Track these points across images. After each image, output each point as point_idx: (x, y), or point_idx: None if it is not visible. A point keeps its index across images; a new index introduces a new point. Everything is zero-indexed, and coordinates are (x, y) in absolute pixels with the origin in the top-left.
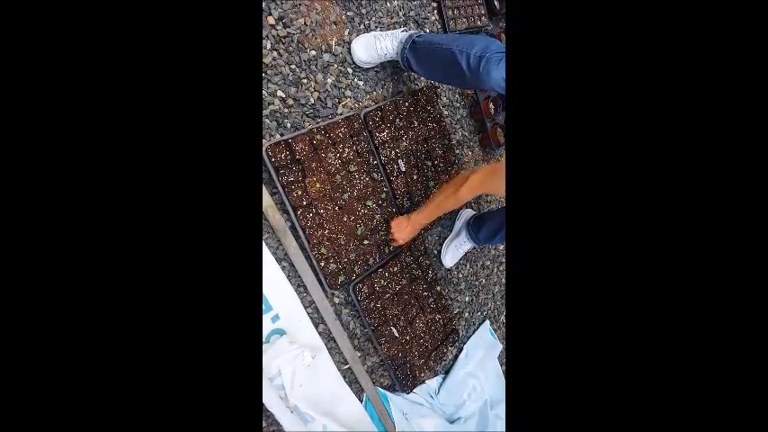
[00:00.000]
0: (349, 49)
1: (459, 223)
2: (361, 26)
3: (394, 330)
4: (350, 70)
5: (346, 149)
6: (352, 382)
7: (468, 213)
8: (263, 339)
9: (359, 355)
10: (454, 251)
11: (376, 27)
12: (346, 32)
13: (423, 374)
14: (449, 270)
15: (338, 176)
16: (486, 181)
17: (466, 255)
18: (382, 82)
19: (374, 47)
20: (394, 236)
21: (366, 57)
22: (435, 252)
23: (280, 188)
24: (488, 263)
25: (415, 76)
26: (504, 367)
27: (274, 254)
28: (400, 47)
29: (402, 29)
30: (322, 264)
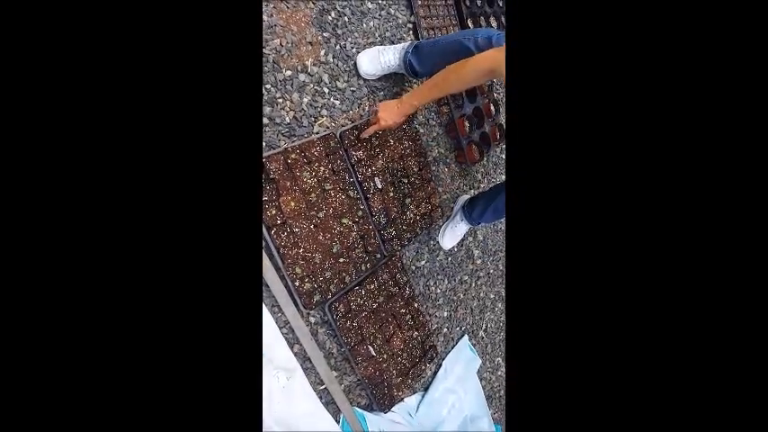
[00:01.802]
0: (325, 68)
1: (456, 207)
2: (337, 47)
3: (371, 349)
4: (326, 90)
5: (322, 168)
6: (329, 402)
7: (462, 198)
8: None
9: (335, 375)
10: (451, 233)
11: (352, 47)
12: (322, 53)
13: (401, 393)
14: (426, 285)
15: (313, 195)
16: (498, 59)
17: (443, 269)
18: (359, 101)
19: (378, 60)
20: (379, 117)
21: (371, 69)
22: (413, 268)
23: None
24: (466, 277)
25: (395, 91)
26: (483, 382)
27: None
28: (403, 53)
29: (404, 43)
30: (297, 283)
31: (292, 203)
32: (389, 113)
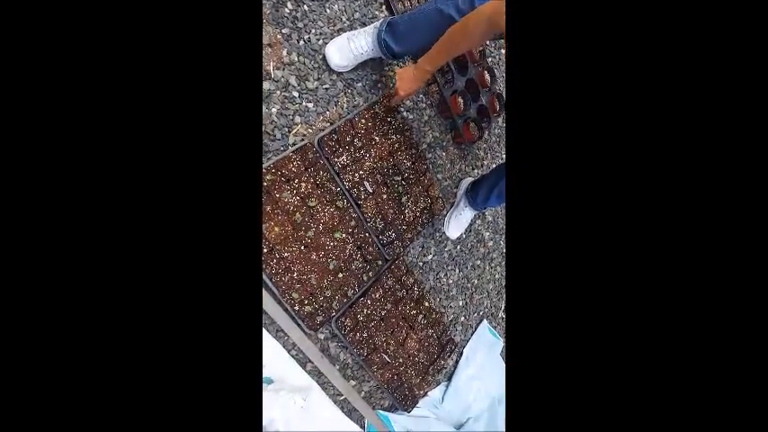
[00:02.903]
0: (291, 69)
1: (459, 193)
2: (300, 42)
3: (385, 356)
4: (295, 94)
5: (303, 184)
6: (351, 410)
7: (465, 182)
8: None
9: (353, 384)
10: (456, 221)
11: (318, 39)
12: (284, 53)
13: (422, 390)
14: (437, 278)
15: (298, 214)
16: (496, 7)
17: (453, 259)
18: (335, 99)
19: (349, 48)
20: (398, 87)
21: (343, 60)
22: (420, 264)
23: None
24: (479, 262)
25: (374, 79)
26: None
27: None
28: (376, 34)
29: (375, 23)
30: (296, 308)
31: (276, 228)
32: (406, 81)
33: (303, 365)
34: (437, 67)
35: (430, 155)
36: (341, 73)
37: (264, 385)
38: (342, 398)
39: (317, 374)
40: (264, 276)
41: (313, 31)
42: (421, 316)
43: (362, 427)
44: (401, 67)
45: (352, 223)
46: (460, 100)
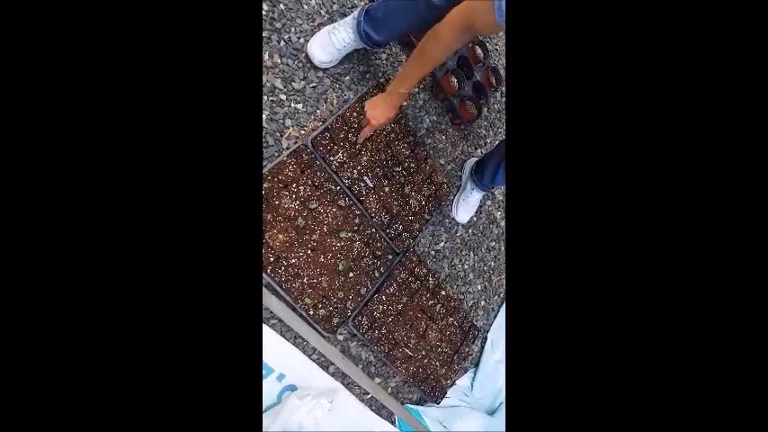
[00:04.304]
0: (274, 72)
1: (464, 175)
2: (281, 43)
3: (407, 350)
4: (282, 97)
5: (301, 187)
6: (380, 407)
7: (470, 163)
8: (275, 400)
9: (378, 381)
10: (464, 205)
11: (299, 38)
12: (266, 56)
13: (449, 380)
14: (452, 265)
15: (300, 219)
16: (470, 9)
17: (466, 243)
18: (323, 96)
19: (331, 42)
20: (369, 118)
21: (326, 56)
22: (433, 253)
23: None
24: (493, 243)
25: (361, 71)
26: None
27: None
28: (355, 25)
29: (353, 13)
30: (311, 312)
31: (280, 236)
32: (378, 110)
33: (326, 368)
34: (411, 87)
35: (429, 140)
36: (326, 69)
37: (288, 393)
38: (369, 396)
39: (340, 376)
40: (275, 284)
41: (292, 29)
42: (439, 306)
43: (393, 423)
44: (368, 99)
45: (357, 221)
46: (453, 79)
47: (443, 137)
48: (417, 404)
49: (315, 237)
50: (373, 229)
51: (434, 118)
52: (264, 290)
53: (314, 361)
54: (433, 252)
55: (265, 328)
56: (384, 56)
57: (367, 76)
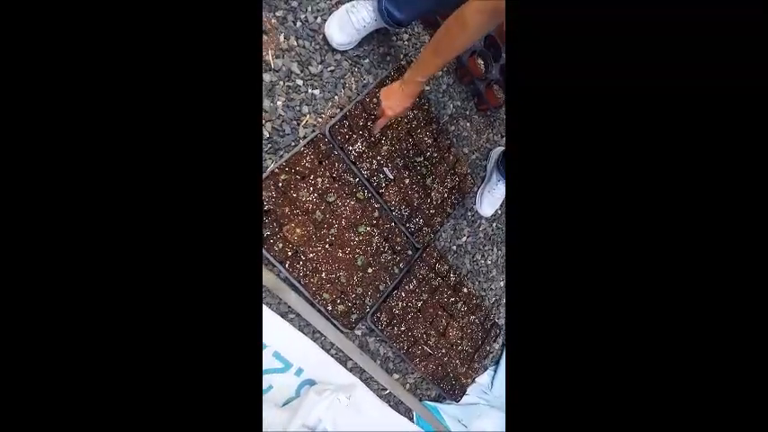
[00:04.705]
0: (291, 56)
1: (489, 166)
2: (297, 23)
3: (426, 348)
4: (299, 82)
5: (319, 179)
6: (398, 403)
7: (496, 152)
8: (294, 394)
9: (397, 377)
10: (489, 197)
11: (315, 18)
12: (281, 38)
13: (469, 379)
14: (474, 261)
15: (318, 212)
16: None
17: (490, 238)
18: (342, 81)
19: (350, 22)
20: (384, 108)
21: (344, 37)
22: (454, 248)
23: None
24: None
25: (381, 53)
26: None
27: (277, 310)
28: (375, 2)
29: None
30: (329, 308)
31: (298, 230)
32: (394, 100)
33: (344, 364)
34: (430, 75)
35: (453, 127)
36: (345, 51)
37: (307, 387)
38: (387, 392)
39: (358, 371)
40: (293, 279)
41: (309, 8)
42: (460, 303)
43: (411, 419)
44: (386, 86)
45: (376, 214)
46: (480, 61)
47: (468, 124)
48: (436, 401)
49: (333, 231)
50: (393, 224)
51: (459, 103)
52: (283, 284)
53: (332, 356)
54: (454, 247)
55: (284, 323)
56: (406, 36)
57: (388, 58)
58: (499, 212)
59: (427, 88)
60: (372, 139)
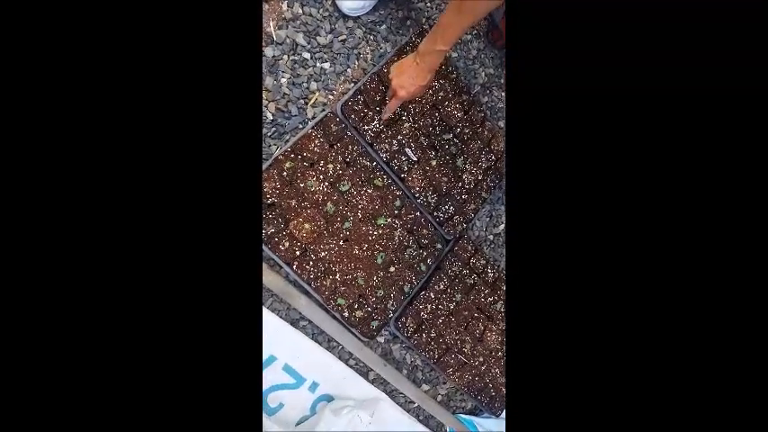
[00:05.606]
0: (295, 26)
1: None
2: None
3: (461, 357)
4: (306, 55)
5: (329, 165)
6: (428, 417)
7: None
8: (309, 412)
9: (426, 389)
10: None
11: None
12: (284, 6)
13: None
14: None
15: (330, 204)
16: None
17: None
18: (355, 51)
19: None
20: (395, 87)
21: (356, 1)
22: (491, 238)
23: (263, 246)
24: None
25: (400, 18)
26: None
27: (286, 318)
28: None
29: None
30: (345, 314)
31: (306, 225)
32: (408, 76)
33: (365, 375)
34: (453, 42)
35: (486, 98)
36: (358, 17)
37: (323, 403)
38: (415, 405)
39: (382, 383)
40: (303, 282)
41: None
42: (500, 303)
43: None
44: (398, 60)
45: (398, 203)
46: None
47: (503, 93)
48: (471, 414)
49: (347, 225)
50: (418, 213)
51: (491, 71)
52: (292, 288)
53: (351, 367)
54: (491, 237)
55: (295, 332)
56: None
57: (408, 23)
58: None
59: (454, 55)
60: (392, 115)
